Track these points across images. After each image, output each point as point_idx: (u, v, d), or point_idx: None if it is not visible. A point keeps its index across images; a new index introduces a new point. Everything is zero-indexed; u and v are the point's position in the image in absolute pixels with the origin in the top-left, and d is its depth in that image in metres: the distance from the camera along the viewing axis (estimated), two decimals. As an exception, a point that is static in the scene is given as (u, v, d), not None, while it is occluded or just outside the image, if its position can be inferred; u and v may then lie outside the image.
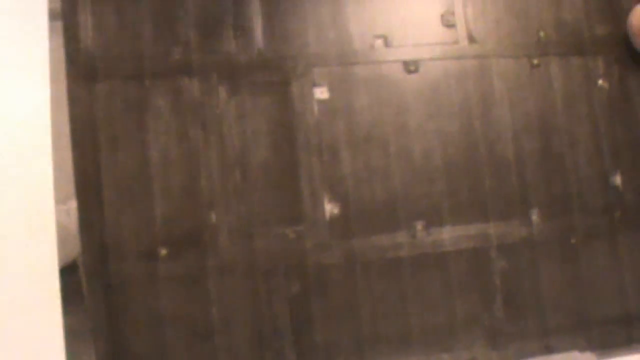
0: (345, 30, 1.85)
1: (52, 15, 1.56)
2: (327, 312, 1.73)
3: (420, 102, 1.86)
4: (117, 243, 1.64)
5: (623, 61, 2.01)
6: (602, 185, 1.94)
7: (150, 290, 1.65)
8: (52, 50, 1.49)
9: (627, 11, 2.02)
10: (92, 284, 1.62)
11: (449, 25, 1.92)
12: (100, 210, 1.64)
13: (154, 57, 1.73)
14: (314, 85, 1.81)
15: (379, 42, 1.87)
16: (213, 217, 1.70)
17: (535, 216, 1.88)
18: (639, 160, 1.98)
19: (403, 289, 1.78)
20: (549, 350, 1.84)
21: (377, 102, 1.83)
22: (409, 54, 1.87)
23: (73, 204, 1.69)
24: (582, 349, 1.85)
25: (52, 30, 1.52)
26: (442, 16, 1.92)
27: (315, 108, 1.80)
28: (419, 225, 1.81)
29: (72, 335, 1.41)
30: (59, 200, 1.48)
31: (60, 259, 1.40)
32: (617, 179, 1.96)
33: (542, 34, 1.97)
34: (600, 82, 1.99)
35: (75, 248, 1.76)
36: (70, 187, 1.65)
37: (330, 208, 1.77)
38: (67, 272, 1.71)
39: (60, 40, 1.68)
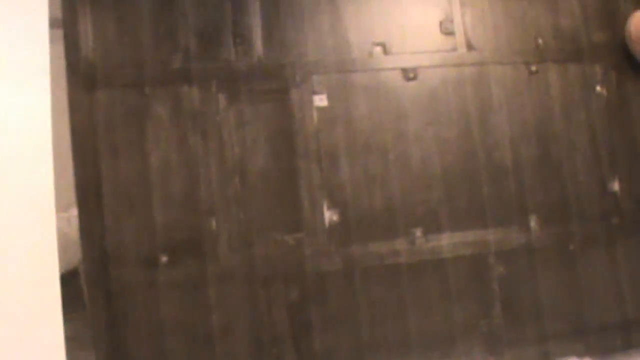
0: (344, 38, 1.86)
1: (53, 24, 1.56)
2: (326, 318, 1.74)
3: (419, 110, 1.86)
4: (118, 250, 1.65)
5: (621, 68, 2.02)
6: (600, 192, 1.95)
7: (151, 297, 1.66)
8: (52, 59, 1.49)
9: (625, 18, 2.03)
10: (93, 291, 1.63)
11: (448, 32, 1.92)
12: (101, 218, 1.65)
13: (153, 65, 1.74)
14: (313, 92, 1.81)
15: (378, 50, 1.87)
16: (213, 224, 1.71)
17: (533, 223, 1.89)
18: (636, 167, 1.98)
19: (402, 295, 1.78)
20: (547, 356, 1.84)
21: (376, 110, 1.84)
22: (407, 62, 1.88)
23: (74, 212, 1.69)
24: (580, 354, 1.86)
25: (52, 38, 1.52)
26: (441, 24, 1.92)
27: (315, 115, 1.80)
28: (418, 232, 1.82)
29: (72, 342, 1.42)
30: (60, 208, 1.48)
31: (61, 266, 1.40)
32: (615, 186, 1.96)
33: (540, 41, 1.97)
34: (598, 88, 2.00)
35: (76, 255, 1.76)
36: (71, 195, 1.66)
37: (329, 215, 1.78)
38: (68, 279, 1.71)
39: (60, 49, 1.68)
